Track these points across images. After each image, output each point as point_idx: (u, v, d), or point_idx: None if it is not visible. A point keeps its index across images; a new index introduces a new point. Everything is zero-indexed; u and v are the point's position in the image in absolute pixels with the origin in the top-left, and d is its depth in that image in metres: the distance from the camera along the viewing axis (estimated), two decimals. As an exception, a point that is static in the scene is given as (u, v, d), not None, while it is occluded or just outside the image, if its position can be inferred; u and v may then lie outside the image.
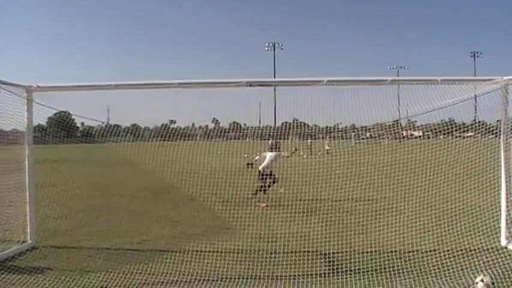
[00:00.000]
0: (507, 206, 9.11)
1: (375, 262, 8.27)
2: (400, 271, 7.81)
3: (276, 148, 15.92)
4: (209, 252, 9.06)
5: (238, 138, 15.64)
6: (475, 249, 8.71)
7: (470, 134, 11.20)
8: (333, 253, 8.98)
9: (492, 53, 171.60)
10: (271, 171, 15.49)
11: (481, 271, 7.60)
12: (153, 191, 18.05)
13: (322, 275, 7.88)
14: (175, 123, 15.46)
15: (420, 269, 7.91)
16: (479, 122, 10.62)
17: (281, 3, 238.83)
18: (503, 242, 9.19)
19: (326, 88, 9.36)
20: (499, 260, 8.04)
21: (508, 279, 7.28)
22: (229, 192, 11.82)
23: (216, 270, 8.03)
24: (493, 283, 7.10)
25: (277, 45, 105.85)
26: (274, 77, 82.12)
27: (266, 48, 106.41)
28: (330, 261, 8.59)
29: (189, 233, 10.89)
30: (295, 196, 13.17)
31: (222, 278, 7.75)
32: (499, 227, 9.36)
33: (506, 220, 9.17)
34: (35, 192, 10.16)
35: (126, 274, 7.92)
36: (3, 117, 9.18)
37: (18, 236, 9.64)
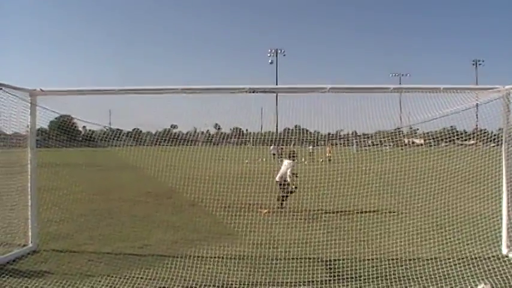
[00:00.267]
0: (508, 215, 9.11)
1: (376, 269, 8.27)
2: (401, 279, 7.81)
3: (292, 157, 15.51)
4: (210, 257, 9.07)
5: (240, 144, 15.66)
6: (476, 258, 8.70)
7: (472, 142, 11.21)
8: (334, 260, 8.97)
9: (494, 61, 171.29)
10: (285, 181, 15.04)
11: (482, 279, 7.61)
12: (155, 196, 18.06)
13: (323, 282, 7.88)
14: (177, 128, 15.48)
15: (421, 277, 7.91)
16: (480, 130, 10.64)
17: (283, 10, 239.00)
18: (504, 251, 9.19)
19: (328, 95, 9.38)
20: (500, 268, 8.05)
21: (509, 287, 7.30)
22: (231, 198, 11.83)
23: (217, 276, 8.03)
24: (493, 291, 7.11)
25: (279, 51, 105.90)
26: (276, 83, 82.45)
27: (269, 55, 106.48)
28: (331, 268, 8.58)
29: (191, 238, 10.90)
30: (297, 203, 13.17)
31: (223, 284, 7.76)
32: (500, 236, 9.36)
33: (507, 228, 9.17)
34: (37, 195, 10.18)
35: (128, 279, 7.92)
36: (7, 121, 9.22)
37: (19, 239, 9.65)
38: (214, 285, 7.74)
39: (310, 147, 25.94)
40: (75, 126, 12.56)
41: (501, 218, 9.32)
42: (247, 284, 7.73)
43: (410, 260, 8.83)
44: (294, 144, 15.52)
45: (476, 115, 9.93)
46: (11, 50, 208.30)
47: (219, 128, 17.08)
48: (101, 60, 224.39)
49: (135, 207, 15.90)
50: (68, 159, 24.98)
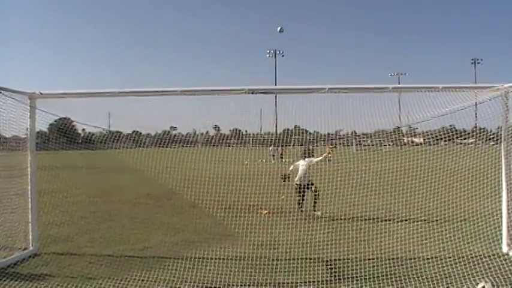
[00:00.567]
0: (508, 213, 9.12)
1: (377, 269, 8.27)
2: (402, 278, 7.82)
3: (308, 155, 14.74)
4: (211, 259, 9.06)
5: (239, 145, 15.66)
6: (476, 256, 8.71)
7: (471, 140, 11.22)
8: (335, 260, 8.98)
9: (492, 59, 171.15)
10: (309, 182, 14.18)
11: (483, 278, 7.61)
12: (155, 198, 18.07)
13: (324, 282, 7.88)
14: (176, 129, 15.50)
15: (422, 276, 7.92)
16: (480, 128, 10.65)
17: (282, 10, 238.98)
18: (505, 249, 9.20)
19: (327, 95, 9.39)
20: (501, 266, 8.05)
21: (509, 286, 7.31)
22: (231, 199, 11.82)
23: (218, 277, 8.03)
24: (494, 290, 7.12)
25: (278, 52, 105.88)
26: (276, 84, 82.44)
27: (267, 55, 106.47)
28: (331, 268, 8.59)
29: (191, 239, 10.90)
30: (297, 203, 13.18)
31: (224, 285, 7.77)
32: (501, 234, 9.37)
33: (508, 227, 9.17)
34: (37, 198, 10.19)
35: (128, 281, 7.93)
36: (6, 124, 9.22)
37: (20, 242, 9.65)
38: (215, 287, 7.75)
39: (310, 147, 25.95)
40: (75, 129, 12.57)
41: (501, 216, 9.33)
42: (248, 285, 7.74)
43: (410, 259, 8.84)
44: (293, 145, 15.51)
45: (476, 114, 9.94)
46: (9, 53, 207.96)
47: (218, 129, 17.09)
48: (99, 62, 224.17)
49: (135, 209, 15.90)
50: (68, 162, 25.01)
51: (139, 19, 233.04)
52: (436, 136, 11.65)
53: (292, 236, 10.64)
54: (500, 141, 9.27)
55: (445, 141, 11.37)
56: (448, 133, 10.83)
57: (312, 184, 14.11)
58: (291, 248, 9.72)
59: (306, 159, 14.47)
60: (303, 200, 14.03)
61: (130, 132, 15.25)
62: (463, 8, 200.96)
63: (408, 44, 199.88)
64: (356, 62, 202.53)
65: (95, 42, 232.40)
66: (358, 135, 15.49)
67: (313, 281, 7.86)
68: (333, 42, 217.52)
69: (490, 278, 7.61)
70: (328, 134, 13.83)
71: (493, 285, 7.26)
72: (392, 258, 8.82)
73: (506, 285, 7.37)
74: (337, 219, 11.90)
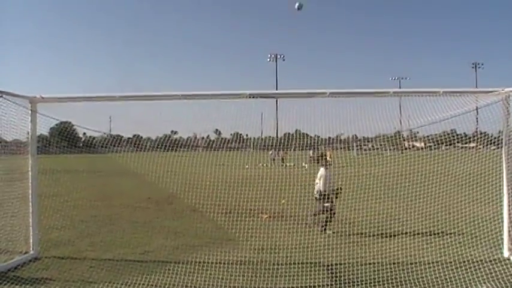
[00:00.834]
0: (509, 217, 9.11)
1: (378, 273, 8.26)
2: (403, 283, 7.81)
3: (322, 161, 12.99)
4: (212, 263, 9.06)
5: (240, 149, 15.67)
6: (477, 261, 8.70)
7: (472, 145, 11.22)
8: (336, 264, 8.97)
9: (493, 64, 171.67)
10: (333, 190, 12.45)
11: (484, 282, 7.61)
12: (156, 202, 18.06)
13: (325, 286, 7.88)
14: (177, 133, 15.50)
15: (423, 281, 7.89)
16: (481, 133, 10.64)
17: (283, 14, 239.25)
18: (506, 253, 9.18)
19: (328, 99, 9.39)
20: (502, 271, 8.04)
21: (510, 291, 7.29)
22: (232, 203, 11.83)
23: (218, 282, 8.02)
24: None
25: (279, 56, 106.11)
26: (276, 88, 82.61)
27: (268, 59, 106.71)
28: (332, 273, 8.58)
29: (192, 244, 10.89)
30: (297, 207, 13.16)
31: (225, 290, 7.76)
32: (502, 238, 9.35)
33: (509, 231, 9.16)
34: (38, 202, 10.18)
35: (129, 285, 7.92)
36: (7, 128, 9.22)
37: (21, 246, 9.64)
38: (215, 291, 7.74)
39: (311, 152, 25.94)
40: (76, 133, 12.58)
41: (502, 221, 9.32)
42: (249, 289, 7.74)
43: (411, 263, 8.82)
44: (294, 149, 15.46)
45: (477, 118, 9.94)
46: (8, 55, 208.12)
47: (219, 134, 17.09)
48: (100, 65, 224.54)
49: (136, 213, 15.89)
50: (69, 166, 25.00)
51: (140, 22, 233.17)
52: (437, 140, 11.66)
53: (292, 241, 10.63)
54: (502, 146, 9.26)
55: (446, 145, 11.38)
56: (449, 137, 10.84)
57: (340, 192, 12.35)
58: (292, 253, 9.70)
59: (322, 168, 12.82)
60: (327, 215, 12.10)
61: (131, 136, 15.25)
62: (463, 12, 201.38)
63: (409, 48, 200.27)
64: (357, 66, 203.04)
65: (95, 45, 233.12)
66: (359, 140, 15.48)
67: (314, 286, 7.85)
68: (334, 47, 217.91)
69: (491, 283, 7.60)
70: (329, 138, 13.81)
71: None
72: (393, 263, 8.81)
73: (508, 289, 7.36)
74: (337, 224, 11.88)
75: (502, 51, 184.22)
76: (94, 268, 8.95)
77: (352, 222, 12.28)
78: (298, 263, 9.03)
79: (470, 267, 8.29)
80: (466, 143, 11.07)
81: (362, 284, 7.86)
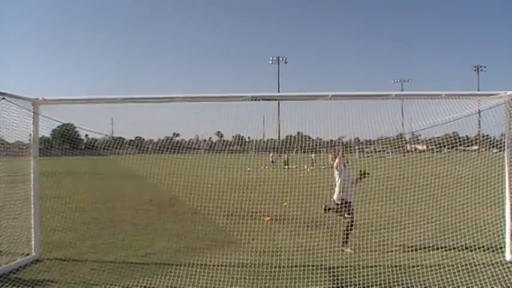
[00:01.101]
0: (511, 220, 9.10)
1: (379, 276, 8.24)
2: (405, 286, 7.80)
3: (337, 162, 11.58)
4: (213, 266, 9.05)
5: (242, 152, 15.65)
6: (479, 264, 8.68)
7: (474, 148, 11.20)
8: (337, 267, 8.96)
9: (496, 66, 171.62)
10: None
11: (486, 286, 7.59)
12: (157, 204, 18.07)
13: (327, 289, 7.88)
14: (179, 136, 15.52)
15: (424, 284, 7.89)
16: (483, 136, 10.63)
17: (285, 17, 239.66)
18: (508, 257, 9.17)
19: (330, 102, 9.40)
20: (504, 274, 8.03)
21: (513, 294, 7.27)
22: (234, 206, 11.81)
23: (220, 284, 8.02)
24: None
25: (281, 58, 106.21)
26: (279, 91, 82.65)
27: (270, 62, 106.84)
28: (334, 276, 8.57)
29: (193, 246, 10.89)
30: (299, 210, 13.15)
31: (226, 292, 7.76)
32: (504, 241, 9.34)
33: (511, 234, 9.14)
34: (40, 204, 10.20)
35: (130, 287, 7.92)
36: (9, 130, 9.23)
37: (22, 248, 9.65)
38: (217, 293, 7.74)
39: (313, 155, 25.93)
40: (78, 135, 12.58)
41: (504, 224, 9.30)
42: (251, 292, 7.73)
43: (413, 266, 8.81)
44: (296, 152, 15.43)
45: (479, 121, 9.94)
46: (8, 56, 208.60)
47: (221, 136, 17.07)
48: (101, 68, 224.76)
49: (138, 215, 15.90)
50: (70, 168, 25.09)
51: (141, 24, 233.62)
52: (439, 143, 11.63)
53: (294, 243, 10.63)
54: (504, 149, 9.25)
55: (448, 148, 11.36)
56: (451, 140, 10.82)
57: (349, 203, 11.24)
58: (294, 255, 9.70)
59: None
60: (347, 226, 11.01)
61: (133, 139, 15.27)
62: (465, 14, 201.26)
63: (411, 51, 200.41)
64: (359, 69, 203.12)
65: (96, 48, 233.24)
66: (361, 142, 15.47)
67: (316, 288, 7.85)
68: (336, 49, 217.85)
69: (494, 286, 7.59)
70: (331, 140, 13.79)
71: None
72: (395, 266, 8.79)
73: (510, 293, 7.34)
74: (339, 226, 11.84)
75: (504, 54, 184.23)
76: (95, 270, 8.95)
77: (354, 225, 12.25)
78: (300, 266, 9.01)
79: (472, 271, 8.29)
80: (468, 146, 11.05)
81: (364, 287, 7.85)
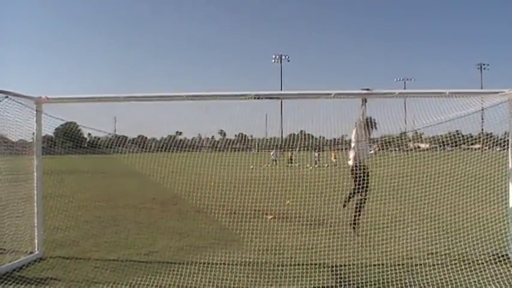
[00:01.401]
0: (515, 218, 9.08)
1: (382, 275, 8.23)
2: (407, 284, 7.79)
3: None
4: (216, 264, 9.05)
5: (245, 150, 15.65)
6: (482, 262, 8.67)
7: (477, 146, 11.17)
8: (340, 266, 8.94)
9: (499, 65, 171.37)
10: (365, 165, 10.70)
11: (489, 284, 7.58)
12: (160, 203, 18.09)
13: (330, 287, 7.87)
14: (182, 134, 15.50)
15: (427, 282, 7.88)
16: (486, 134, 10.61)
17: (288, 16, 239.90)
18: (511, 255, 9.14)
19: (332, 100, 9.39)
20: (507, 272, 8.02)
21: (516, 293, 7.26)
22: (236, 204, 11.81)
23: (222, 283, 8.02)
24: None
25: (284, 57, 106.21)
26: (281, 89, 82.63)
27: (273, 60, 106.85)
28: (337, 274, 8.56)
29: (196, 244, 10.90)
30: (302, 208, 13.13)
31: (229, 290, 7.76)
32: (507, 240, 9.31)
33: (514, 233, 9.13)
34: (43, 203, 10.22)
35: (133, 286, 7.94)
36: (12, 128, 9.26)
37: (26, 246, 9.66)
38: (220, 292, 7.74)
39: (316, 153, 25.95)
40: (81, 133, 12.60)
41: (507, 222, 9.28)
42: (254, 290, 7.73)
43: (416, 265, 8.80)
44: (299, 150, 15.40)
45: (482, 119, 9.91)
46: (9, 55, 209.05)
47: (224, 135, 17.09)
48: (101, 68, 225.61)
49: (140, 214, 15.92)
50: (73, 167, 25.12)
51: (143, 23, 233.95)
52: (442, 141, 11.61)
53: (297, 242, 10.63)
54: (507, 147, 9.23)
55: (451, 146, 11.34)
56: (454, 138, 10.80)
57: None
58: (296, 254, 9.69)
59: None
60: (356, 191, 10.64)
61: (136, 137, 15.27)
62: (468, 13, 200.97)
63: (414, 50, 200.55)
64: (362, 67, 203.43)
65: (98, 46, 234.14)
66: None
67: (319, 287, 7.84)
68: (339, 48, 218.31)
69: (497, 284, 7.57)
70: (334, 139, 13.76)
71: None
72: (398, 264, 8.78)
73: (513, 291, 7.33)
74: (342, 225, 11.83)
75: (508, 52, 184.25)
76: (98, 268, 8.97)
77: (358, 223, 12.25)
78: (303, 264, 9.02)
79: (475, 269, 8.27)
80: (471, 144, 11.02)
81: (367, 286, 7.85)
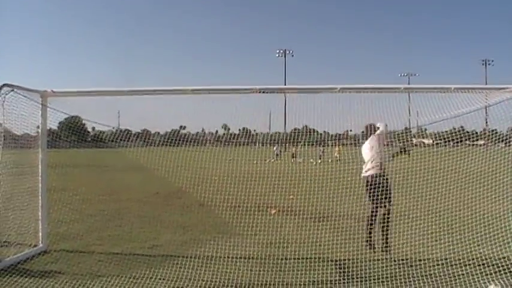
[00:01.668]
0: (519, 215, 9.07)
1: (386, 270, 8.23)
2: (411, 279, 7.79)
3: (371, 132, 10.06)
4: (220, 257, 9.06)
5: (248, 144, 15.67)
6: (486, 258, 8.66)
7: (481, 142, 11.15)
8: (344, 260, 8.96)
9: (504, 61, 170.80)
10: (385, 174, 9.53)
11: (493, 280, 7.57)
12: (164, 197, 18.13)
13: (333, 282, 7.86)
14: (185, 128, 15.53)
15: (431, 277, 7.88)
16: (491, 130, 10.58)
17: (292, 10, 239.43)
18: (515, 251, 9.14)
19: (336, 95, 9.37)
20: (511, 269, 8.00)
21: (519, 289, 7.25)
22: (240, 198, 11.82)
23: (226, 276, 8.03)
24: (504, 292, 7.07)
25: (288, 51, 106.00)
26: (285, 84, 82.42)
27: (277, 55, 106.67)
28: (340, 268, 8.58)
29: (200, 238, 10.92)
30: (306, 202, 13.15)
31: (233, 284, 7.75)
32: (511, 236, 9.30)
33: (519, 229, 9.12)
34: (47, 196, 10.25)
35: (137, 279, 7.95)
36: (18, 122, 9.27)
37: (30, 239, 9.70)
38: (223, 285, 7.75)
39: (321, 148, 25.95)
40: (85, 127, 12.63)
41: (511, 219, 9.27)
42: (257, 284, 7.74)
43: (420, 260, 8.79)
44: (302, 145, 15.39)
45: (486, 115, 9.89)
46: (14, 51, 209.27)
47: (228, 129, 17.10)
48: (105, 61, 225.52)
49: (144, 207, 15.95)
50: (77, 160, 25.19)
51: (147, 18, 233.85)
52: (446, 137, 11.59)
53: (301, 236, 10.64)
54: (511, 143, 9.21)
55: (456, 142, 11.33)
56: (458, 134, 10.78)
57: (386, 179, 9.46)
58: (300, 248, 9.71)
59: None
60: (376, 207, 9.35)
61: (140, 131, 15.30)
62: (473, 8, 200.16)
63: (418, 45, 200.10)
64: (366, 62, 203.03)
65: (101, 41, 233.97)
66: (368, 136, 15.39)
67: (322, 281, 7.84)
68: (343, 43, 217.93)
69: (500, 280, 7.56)
70: (338, 134, 13.77)
71: (503, 288, 7.22)
72: (402, 259, 8.79)
73: (517, 287, 7.32)
74: (346, 219, 11.84)
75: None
76: (102, 262, 8.99)
77: (361, 218, 12.24)
78: (306, 258, 9.03)
79: (479, 265, 8.27)
80: (475, 140, 11.00)
81: (370, 280, 7.85)
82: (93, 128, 15.95)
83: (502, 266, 8.15)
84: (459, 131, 10.73)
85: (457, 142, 10.84)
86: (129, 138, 12.32)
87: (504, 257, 8.78)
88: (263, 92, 9.18)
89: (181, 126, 16.03)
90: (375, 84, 9.45)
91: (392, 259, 8.86)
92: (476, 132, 10.86)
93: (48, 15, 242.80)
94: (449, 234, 10.22)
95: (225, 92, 10.14)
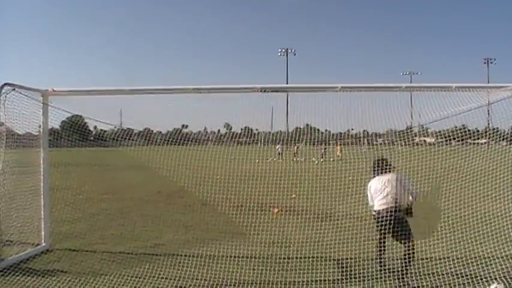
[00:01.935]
0: (521, 213, 9.06)
1: (388, 268, 8.23)
2: (413, 277, 7.79)
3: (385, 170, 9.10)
4: (222, 256, 9.08)
5: (250, 144, 15.66)
6: (488, 257, 8.66)
7: (483, 140, 11.13)
8: (346, 259, 8.97)
9: (506, 60, 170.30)
10: (399, 209, 8.46)
11: (495, 279, 7.57)
12: (166, 196, 18.14)
13: (335, 281, 7.88)
14: (187, 127, 15.53)
15: (433, 276, 7.88)
16: (493, 129, 10.56)
17: (294, 9, 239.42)
18: (517, 250, 9.13)
19: (338, 94, 9.36)
20: (512, 268, 8.00)
21: (522, 287, 7.25)
22: (242, 197, 11.82)
23: (228, 275, 8.05)
24: (506, 291, 7.07)
25: (290, 50, 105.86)
26: (287, 83, 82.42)
27: (279, 54, 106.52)
28: (343, 268, 8.59)
29: (202, 237, 10.93)
30: (308, 202, 13.14)
31: (235, 283, 7.78)
32: (513, 235, 9.29)
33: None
34: (50, 195, 10.26)
35: (139, 278, 7.97)
36: (19, 121, 9.28)
37: (33, 238, 9.74)
38: (226, 284, 7.77)
39: (323, 147, 25.90)
40: (86, 126, 12.64)
41: (514, 217, 9.26)
42: (259, 283, 7.74)
43: (422, 259, 8.78)
44: (304, 144, 15.38)
45: (488, 113, 9.86)
46: (15, 50, 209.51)
47: (230, 128, 17.10)
48: (106, 60, 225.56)
49: (147, 206, 15.98)
50: (79, 159, 25.15)
51: (149, 17, 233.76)
52: (448, 136, 11.58)
53: (303, 235, 10.64)
54: (513, 142, 9.20)
55: (457, 141, 11.31)
56: (460, 133, 10.76)
57: (410, 213, 8.69)
58: (302, 247, 9.72)
59: (390, 174, 8.96)
60: (384, 243, 8.58)
61: (142, 130, 15.30)
62: (475, 7, 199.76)
63: (420, 44, 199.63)
64: (368, 61, 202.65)
65: (102, 40, 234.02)
66: (370, 135, 15.40)
67: (324, 280, 7.85)
68: (345, 42, 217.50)
69: (503, 279, 7.56)
70: (340, 133, 13.75)
71: (505, 287, 7.21)
72: (403, 258, 8.76)
73: (519, 286, 7.31)
74: (348, 218, 11.83)
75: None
76: (105, 261, 9.02)
77: (363, 216, 12.24)
78: (309, 257, 9.04)
79: (481, 263, 8.27)
80: (477, 139, 10.97)
81: (372, 279, 7.86)
82: (95, 127, 15.97)
83: (505, 264, 8.15)
84: (461, 129, 10.72)
85: (459, 141, 10.84)
86: (130, 137, 12.32)
87: (506, 256, 8.78)
88: (265, 91, 9.18)
89: (183, 125, 16.03)
90: (375, 83, 9.44)
91: (395, 258, 8.85)
92: (478, 131, 10.82)
93: (48, 14, 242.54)
94: (451, 232, 10.20)
95: (227, 91, 10.14)
